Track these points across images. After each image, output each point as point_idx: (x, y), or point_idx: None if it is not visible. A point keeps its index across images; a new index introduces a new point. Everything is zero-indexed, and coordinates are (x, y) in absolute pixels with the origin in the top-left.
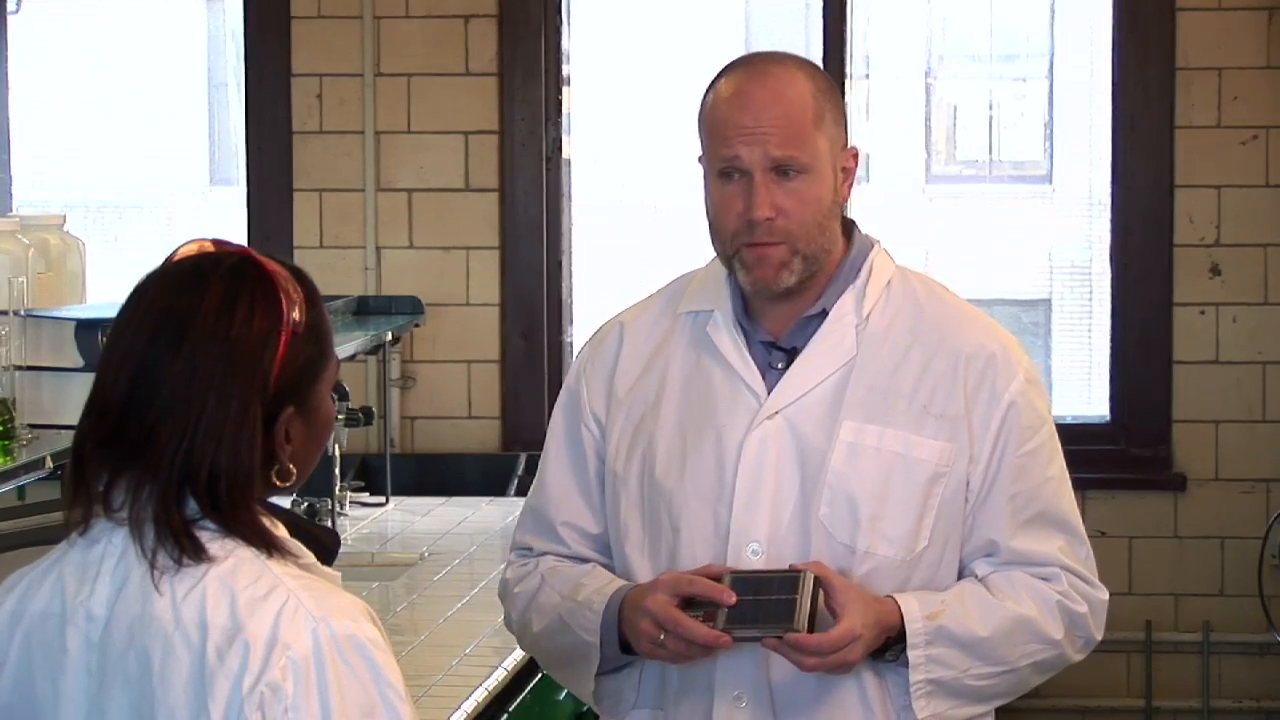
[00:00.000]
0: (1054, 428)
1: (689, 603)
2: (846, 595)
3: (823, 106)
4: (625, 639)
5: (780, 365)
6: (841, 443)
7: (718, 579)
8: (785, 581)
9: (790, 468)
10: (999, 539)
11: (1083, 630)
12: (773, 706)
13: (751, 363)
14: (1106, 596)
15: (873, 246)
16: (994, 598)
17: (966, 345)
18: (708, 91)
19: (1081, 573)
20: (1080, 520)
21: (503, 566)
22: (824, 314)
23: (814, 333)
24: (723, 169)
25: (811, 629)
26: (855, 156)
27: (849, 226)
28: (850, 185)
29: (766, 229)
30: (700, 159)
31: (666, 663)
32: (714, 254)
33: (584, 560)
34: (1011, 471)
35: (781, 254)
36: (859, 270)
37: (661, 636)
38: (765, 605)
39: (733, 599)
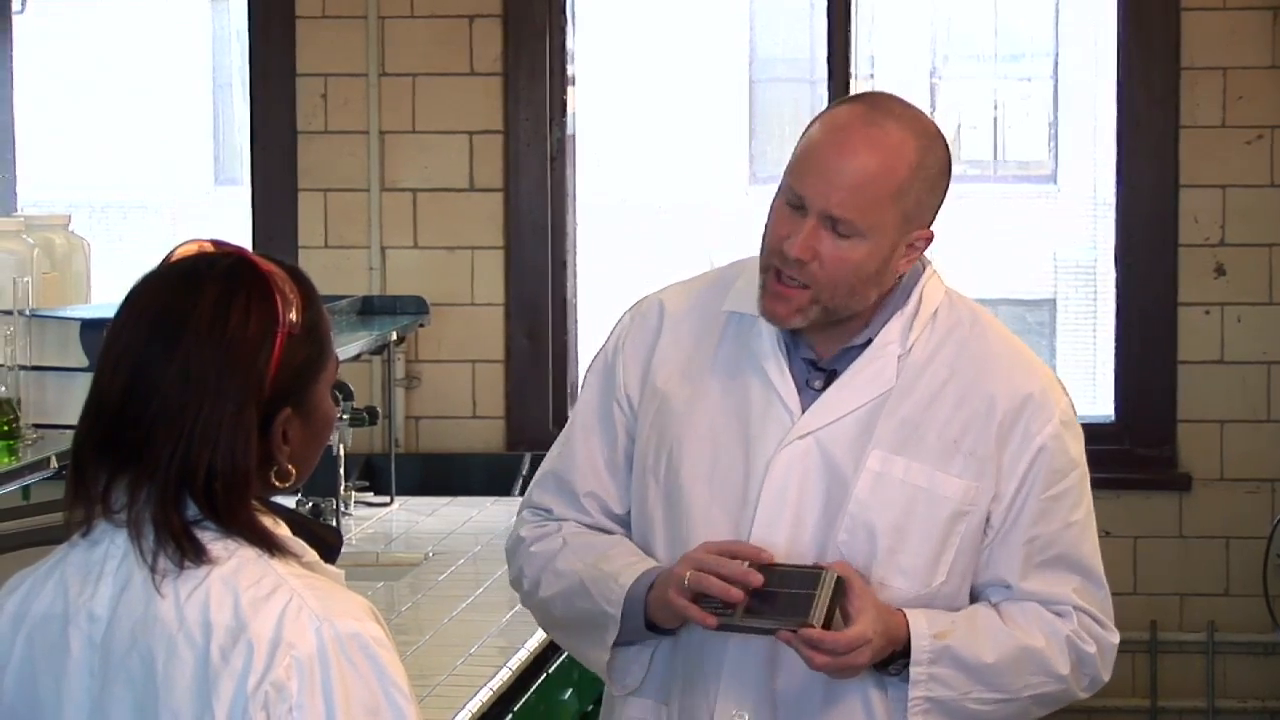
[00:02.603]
0: (1086, 470)
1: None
2: (864, 600)
3: (913, 183)
4: (650, 616)
5: (818, 385)
6: (868, 471)
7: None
8: (807, 577)
9: (815, 490)
10: (1011, 580)
11: (1089, 669)
12: (774, 718)
13: (790, 380)
14: (1117, 640)
15: (924, 270)
16: (1004, 625)
17: (1004, 384)
18: (828, 107)
19: (1095, 614)
20: (1099, 563)
21: (506, 568)
22: (868, 341)
23: (856, 357)
24: (788, 197)
25: (827, 627)
26: (929, 240)
27: None
28: (910, 262)
29: (797, 269)
30: None
31: (695, 621)
32: (738, 252)
33: (606, 530)
34: (1033, 514)
35: (801, 299)
36: (909, 297)
37: (686, 579)
38: (784, 598)
39: (759, 580)
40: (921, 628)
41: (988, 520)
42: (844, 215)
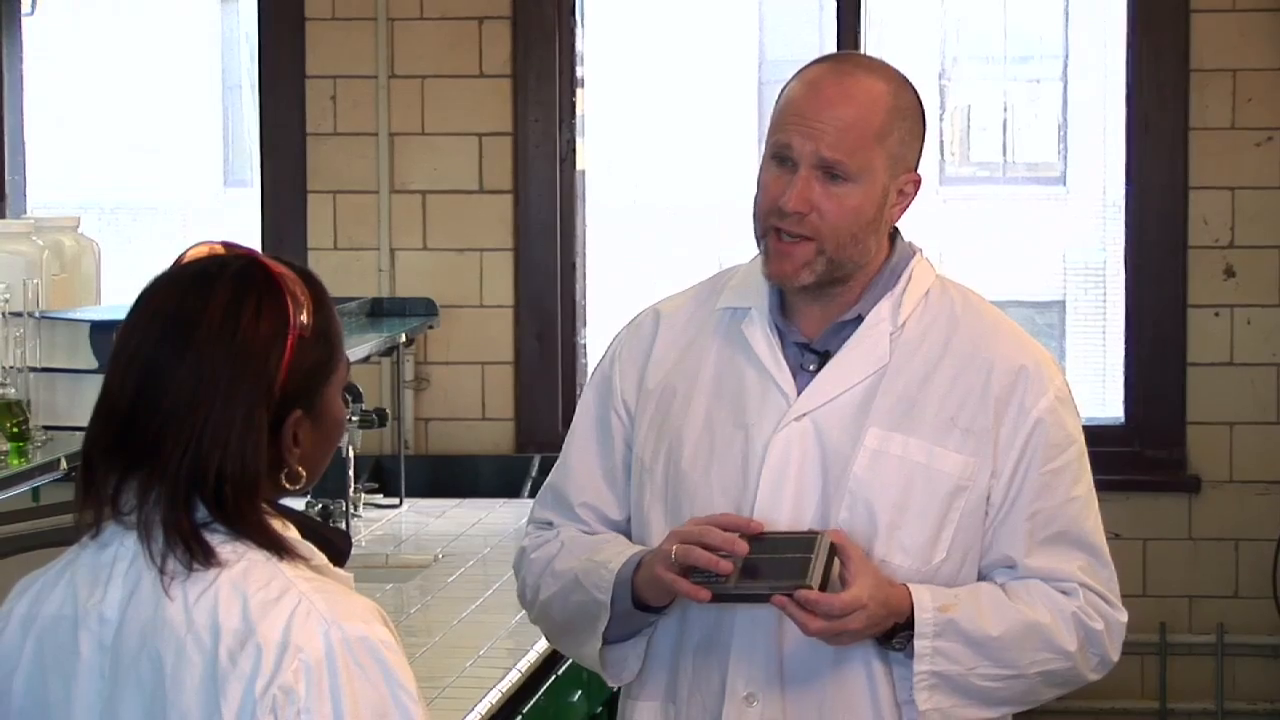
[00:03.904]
0: (1084, 447)
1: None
2: (861, 567)
3: (893, 123)
4: (640, 597)
5: (812, 367)
6: (865, 449)
7: (736, 531)
8: (801, 542)
9: (813, 471)
10: (1016, 556)
11: (1097, 648)
12: (783, 704)
13: (784, 363)
14: (1125, 619)
15: (914, 254)
16: (1009, 600)
17: (999, 359)
18: (794, 75)
19: (1102, 592)
20: (1104, 542)
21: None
22: (859, 319)
23: (848, 337)
24: (775, 153)
25: (823, 590)
26: (917, 184)
27: (892, 233)
28: (903, 209)
29: (795, 222)
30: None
31: (684, 596)
32: (749, 254)
33: None
34: (1034, 489)
35: (805, 253)
36: (898, 278)
37: (674, 552)
38: (778, 563)
39: (745, 549)
40: (925, 600)
41: (988, 499)
42: (835, 157)
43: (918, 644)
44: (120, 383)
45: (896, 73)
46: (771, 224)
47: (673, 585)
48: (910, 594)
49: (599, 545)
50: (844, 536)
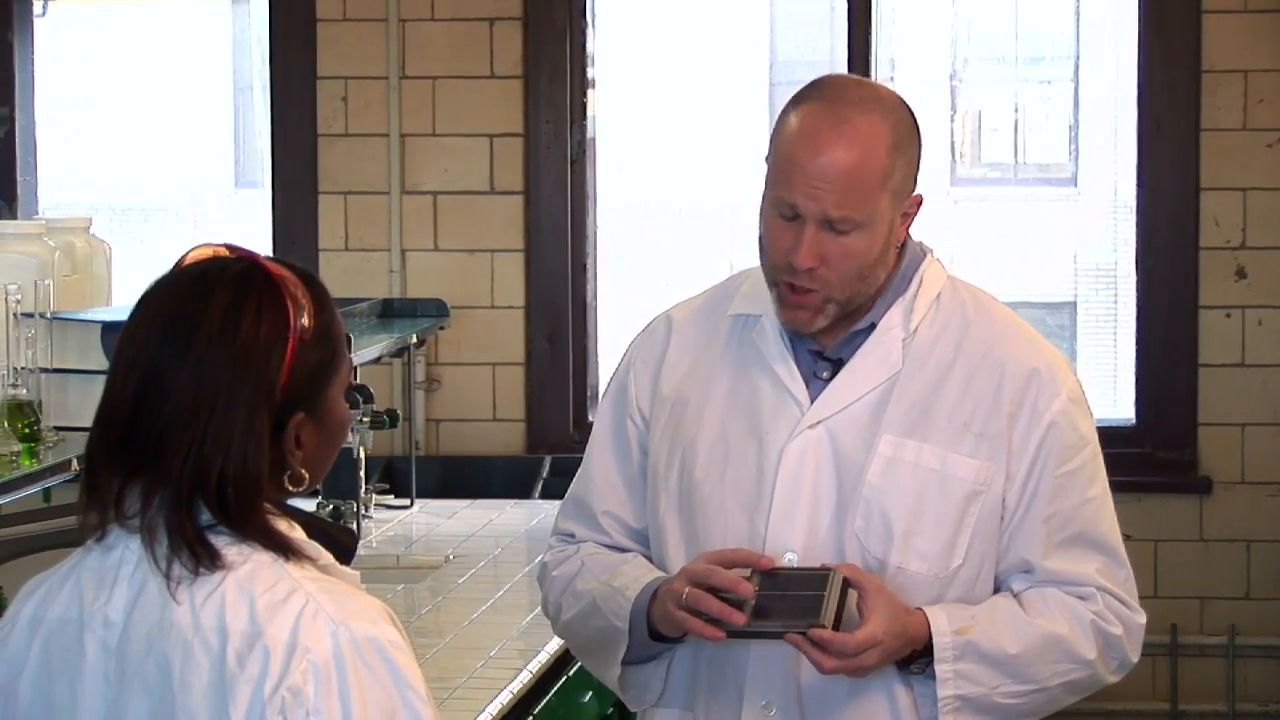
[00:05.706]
0: (1098, 448)
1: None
2: (877, 600)
3: (894, 162)
4: (655, 629)
5: (825, 375)
6: (879, 456)
7: (748, 567)
8: (814, 579)
9: (828, 479)
10: (1033, 559)
11: (1117, 652)
12: (801, 715)
13: (796, 372)
14: (1144, 620)
15: (925, 257)
16: (1026, 615)
17: (1010, 362)
18: (787, 109)
19: (1119, 594)
20: (1121, 542)
21: (528, 568)
22: (871, 326)
23: (860, 344)
24: (779, 208)
25: (836, 628)
26: (919, 203)
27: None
28: (907, 228)
29: (806, 276)
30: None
31: (698, 636)
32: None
33: (625, 550)
34: (1049, 492)
35: (815, 302)
36: (909, 282)
37: (684, 595)
38: (791, 600)
39: (750, 591)
40: (942, 624)
41: (1004, 503)
42: (841, 214)
43: (939, 668)
44: (122, 386)
45: (889, 97)
46: (781, 278)
47: (685, 625)
48: (927, 618)
49: (616, 569)
50: (857, 570)
